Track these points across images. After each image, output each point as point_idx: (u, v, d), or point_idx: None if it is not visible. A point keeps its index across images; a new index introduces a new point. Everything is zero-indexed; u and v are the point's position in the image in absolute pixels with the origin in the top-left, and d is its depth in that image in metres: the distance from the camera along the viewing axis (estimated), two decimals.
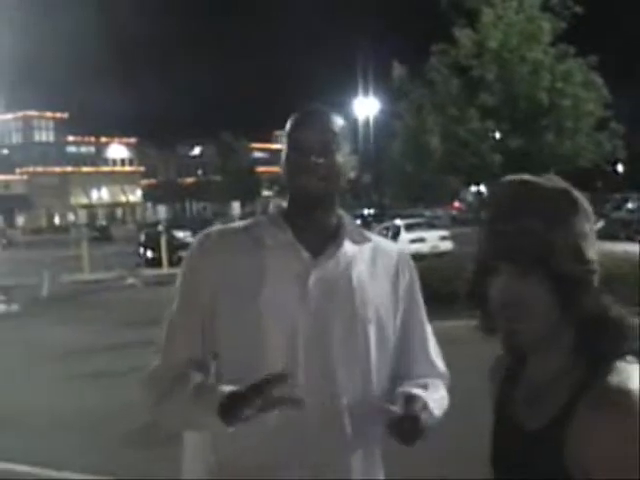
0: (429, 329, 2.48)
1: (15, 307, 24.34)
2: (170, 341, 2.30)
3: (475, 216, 56.54)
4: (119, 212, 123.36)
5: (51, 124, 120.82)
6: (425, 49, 21.15)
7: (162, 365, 2.28)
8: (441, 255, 26.16)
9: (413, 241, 31.77)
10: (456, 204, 74.72)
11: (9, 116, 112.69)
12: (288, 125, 2.32)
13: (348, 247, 2.30)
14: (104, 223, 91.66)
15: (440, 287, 12.40)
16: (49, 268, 37.47)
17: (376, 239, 2.44)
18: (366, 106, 75.27)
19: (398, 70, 23.40)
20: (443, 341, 2.59)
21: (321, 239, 2.29)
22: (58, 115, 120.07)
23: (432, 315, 2.49)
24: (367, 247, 2.36)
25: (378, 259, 2.37)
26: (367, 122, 74.94)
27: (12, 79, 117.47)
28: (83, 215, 44.07)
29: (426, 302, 2.47)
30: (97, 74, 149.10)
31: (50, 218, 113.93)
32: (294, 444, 2.15)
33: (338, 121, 2.31)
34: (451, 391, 2.50)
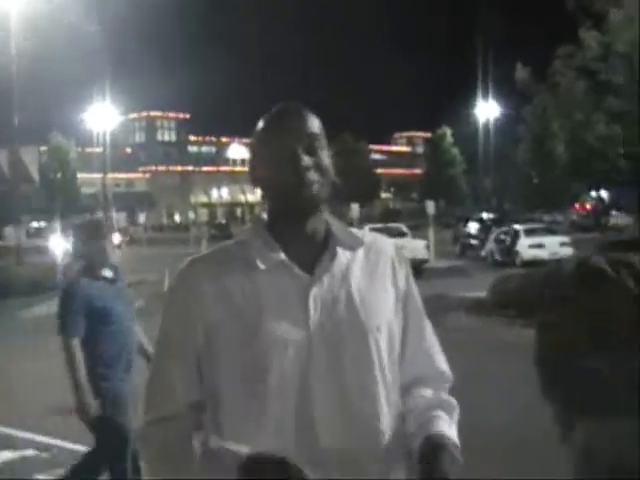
0: (427, 322, 2.25)
1: (140, 302, 24.94)
2: (163, 389, 2.07)
3: (595, 222, 55.28)
4: (238, 211, 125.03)
5: (173, 124, 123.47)
6: (550, 52, 20.80)
7: (160, 417, 2.05)
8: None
9: (532, 246, 31.40)
10: (586, 205, 72.07)
11: (133, 116, 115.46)
12: (264, 124, 2.12)
13: (342, 255, 2.08)
14: (224, 221, 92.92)
15: None
16: (170, 265, 38.30)
17: (368, 237, 2.19)
18: (486, 110, 74.49)
19: (521, 73, 22.95)
20: None
21: (313, 251, 2.07)
22: (180, 115, 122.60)
23: None
24: (361, 250, 2.13)
25: (374, 259, 2.14)
26: (487, 126, 74.19)
27: (136, 80, 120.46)
28: (203, 214, 44.71)
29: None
30: (218, 75, 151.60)
31: (171, 216, 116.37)
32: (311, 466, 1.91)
33: (316, 119, 2.11)
34: None
